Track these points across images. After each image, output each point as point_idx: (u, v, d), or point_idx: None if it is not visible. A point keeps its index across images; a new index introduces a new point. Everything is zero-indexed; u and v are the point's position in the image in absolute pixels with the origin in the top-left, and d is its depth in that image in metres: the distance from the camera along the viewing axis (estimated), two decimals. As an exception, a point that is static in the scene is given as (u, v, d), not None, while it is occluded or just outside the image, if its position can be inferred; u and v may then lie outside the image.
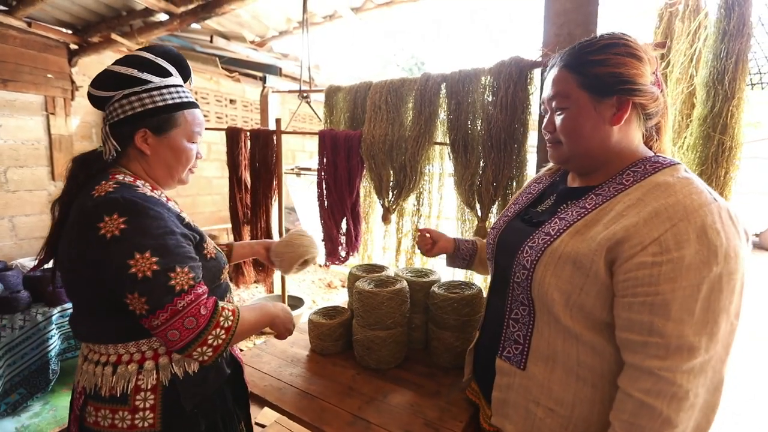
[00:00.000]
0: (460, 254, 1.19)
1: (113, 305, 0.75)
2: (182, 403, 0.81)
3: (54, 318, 1.79)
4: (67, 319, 1.83)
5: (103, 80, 0.84)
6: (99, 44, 3.10)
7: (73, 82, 3.28)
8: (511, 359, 0.78)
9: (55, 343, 1.79)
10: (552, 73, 0.75)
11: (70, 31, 3.11)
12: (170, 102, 0.86)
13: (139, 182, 0.84)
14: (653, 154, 0.73)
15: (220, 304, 0.81)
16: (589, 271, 0.65)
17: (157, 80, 0.85)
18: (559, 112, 0.74)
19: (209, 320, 0.76)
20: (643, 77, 0.67)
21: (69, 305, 1.85)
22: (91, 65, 3.39)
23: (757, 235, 6.34)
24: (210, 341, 0.76)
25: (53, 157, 3.26)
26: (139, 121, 0.84)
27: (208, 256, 0.88)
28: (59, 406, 1.77)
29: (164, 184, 0.92)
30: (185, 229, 0.82)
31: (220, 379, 0.92)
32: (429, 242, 1.19)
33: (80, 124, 3.45)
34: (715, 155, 1.50)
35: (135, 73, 0.82)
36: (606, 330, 0.66)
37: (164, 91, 0.86)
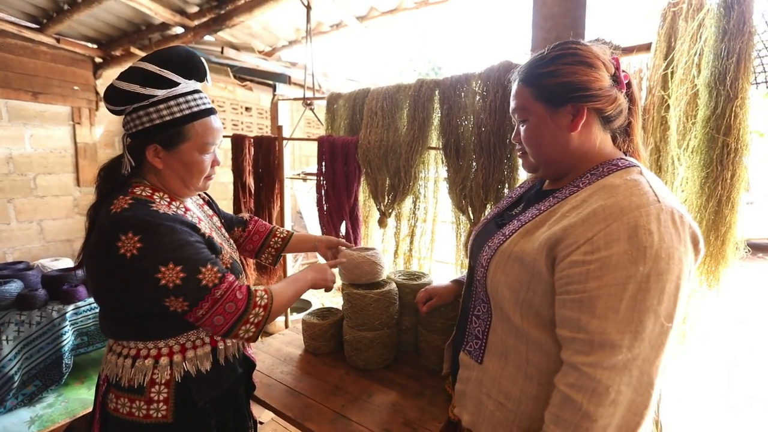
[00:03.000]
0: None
1: (135, 311, 0.81)
2: (194, 399, 0.86)
3: (68, 315, 1.89)
4: (81, 316, 1.94)
5: (111, 95, 0.83)
6: (121, 57, 3.28)
7: (97, 93, 3.48)
8: (471, 353, 0.82)
9: (68, 339, 1.89)
10: (515, 87, 0.78)
11: (95, 46, 3.31)
12: (178, 115, 0.84)
13: (156, 195, 0.85)
14: (622, 156, 0.74)
15: (253, 287, 0.88)
16: (533, 269, 0.67)
17: (161, 93, 0.82)
18: (521, 124, 0.77)
19: (247, 302, 0.84)
20: (596, 82, 0.68)
21: (82, 303, 1.96)
22: (114, 77, 3.58)
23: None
24: (251, 319, 0.84)
25: (78, 165, 3.46)
26: (148, 136, 0.83)
27: (225, 267, 0.90)
28: (71, 398, 1.87)
29: (181, 195, 0.92)
30: (200, 238, 0.85)
31: (232, 377, 0.97)
32: (423, 300, 1.22)
33: (104, 132, 3.65)
34: (719, 157, 1.45)
35: (137, 89, 0.80)
36: (553, 329, 0.67)
37: (171, 103, 0.83)
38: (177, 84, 0.84)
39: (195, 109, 0.86)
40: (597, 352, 0.58)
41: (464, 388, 0.83)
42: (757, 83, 1.43)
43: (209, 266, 0.81)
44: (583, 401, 0.58)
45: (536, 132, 0.74)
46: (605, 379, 0.57)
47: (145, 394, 0.83)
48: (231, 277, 0.84)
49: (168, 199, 0.88)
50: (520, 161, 1.45)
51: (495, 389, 0.75)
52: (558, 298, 0.64)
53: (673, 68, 1.67)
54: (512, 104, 0.78)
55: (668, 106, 1.68)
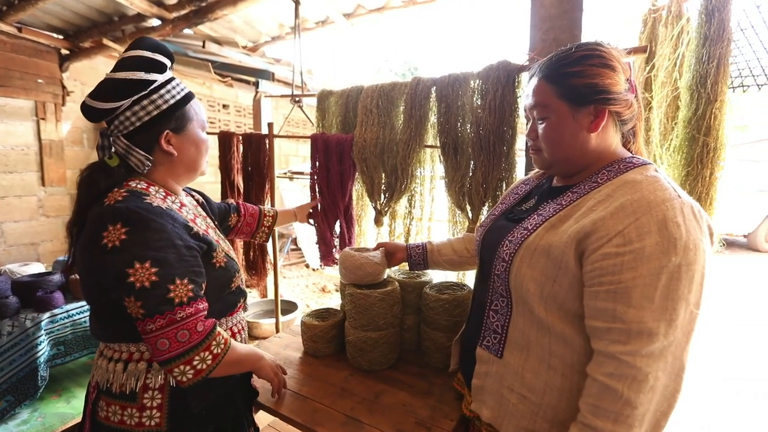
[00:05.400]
0: (414, 260, 1.29)
1: (122, 308, 0.75)
2: (189, 406, 0.82)
3: (43, 324, 1.76)
4: (57, 324, 1.82)
5: (108, 90, 0.78)
6: (91, 49, 3.09)
7: (64, 87, 3.27)
8: (489, 348, 0.82)
9: (44, 350, 1.76)
10: (532, 83, 0.78)
11: (61, 37, 3.11)
12: (178, 97, 0.84)
13: (152, 189, 0.82)
14: (630, 155, 0.77)
15: (218, 328, 0.80)
16: (560, 262, 0.68)
17: (160, 78, 0.82)
18: (540, 121, 0.77)
19: (203, 339, 0.76)
20: (617, 86, 0.71)
21: (59, 310, 1.83)
22: (83, 71, 3.38)
23: (745, 236, 6.44)
24: (195, 363, 0.75)
25: (43, 163, 3.24)
26: (158, 124, 0.82)
27: (217, 265, 0.87)
28: (48, 413, 1.74)
29: (187, 180, 0.92)
30: (192, 240, 0.81)
31: (228, 381, 0.92)
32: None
33: (71, 129, 3.44)
34: (700, 156, 1.53)
35: (142, 75, 0.79)
36: (576, 321, 0.69)
37: (169, 87, 0.83)
38: (167, 68, 0.86)
39: (186, 90, 0.88)
40: (635, 340, 0.60)
41: (482, 383, 0.84)
42: (733, 87, 1.52)
43: (185, 281, 0.75)
44: (624, 389, 0.60)
45: (556, 130, 0.75)
46: (644, 366, 0.59)
47: (137, 401, 0.79)
48: (201, 305, 0.77)
49: (163, 193, 0.85)
50: (518, 159, 1.49)
51: (517, 383, 0.76)
52: (589, 290, 0.65)
53: (655, 71, 1.75)
54: (530, 100, 0.78)
55: (651, 107, 1.77)
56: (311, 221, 1.62)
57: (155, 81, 0.81)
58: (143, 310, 0.72)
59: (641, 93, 1.77)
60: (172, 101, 0.83)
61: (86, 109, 0.80)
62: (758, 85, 1.53)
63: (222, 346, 0.80)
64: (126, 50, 0.82)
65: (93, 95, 0.79)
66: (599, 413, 0.62)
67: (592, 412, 0.63)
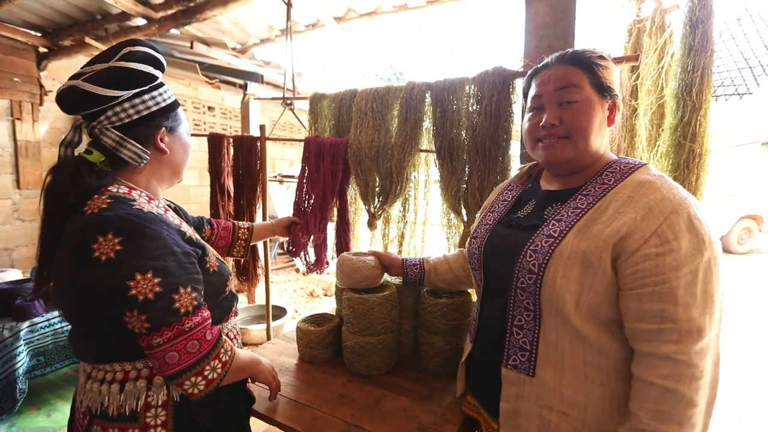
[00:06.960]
0: (410, 279, 1.25)
1: (116, 325, 0.71)
2: (194, 418, 0.79)
3: (22, 333, 1.68)
4: (37, 334, 1.73)
5: (115, 77, 0.74)
6: (71, 48, 3.00)
7: (41, 86, 3.15)
8: (518, 367, 0.77)
9: (23, 361, 1.67)
10: (556, 69, 0.76)
11: (39, 34, 3.00)
12: (172, 99, 0.86)
13: (134, 193, 0.78)
14: (617, 156, 0.79)
15: (223, 335, 0.79)
16: (596, 269, 0.66)
17: (160, 76, 0.84)
18: (566, 105, 0.74)
19: (212, 348, 0.74)
20: (618, 89, 0.77)
21: (39, 319, 1.75)
22: (63, 69, 3.27)
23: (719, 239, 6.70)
24: (206, 373, 0.73)
25: (19, 165, 3.11)
26: (156, 120, 0.81)
27: (211, 270, 0.84)
28: (27, 427, 1.66)
29: (168, 184, 0.90)
30: (187, 246, 0.77)
31: (232, 390, 0.90)
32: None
33: (49, 130, 3.31)
34: (686, 162, 1.59)
35: (151, 70, 0.79)
36: (611, 327, 0.69)
37: (165, 87, 0.85)
38: (163, 71, 0.86)
39: (174, 96, 0.89)
40: (686, 338, 0.60)
41: (516, 407, 0.77)
42: (716, 96, 1.58)
43: (189, 289, 0.72)
44: (685, 389, 0.60)
45: (589, 115, 0.72)
46: (699, 362, 0.60)
47: (139, 420, 0.74)
48: (206, 313, 0.75)
49: (146, 198, 0.80)
50: (512, 164, 1.50)
51: (556, 400, 0.72)
52: (631, 293, 0.64)
53: (640, 80, 1.81)
54: (556, 83, 0.74)
55: (637, 114, 1.82)
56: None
57: (158, 78, 0.82)
58: (148, 324, 0.68)
59: (627, 100, 1.83)
60: (169, 101, 0.84)
61: (77, 94, 0.72)
62: (739, 94, 1.60)
63: (229, 353, 0.79)
64: (125, 45, 0.78)
65: (91, 80, 0.72)
66: (663, 418, 0.61)
67: (655, 417, 0.62)
